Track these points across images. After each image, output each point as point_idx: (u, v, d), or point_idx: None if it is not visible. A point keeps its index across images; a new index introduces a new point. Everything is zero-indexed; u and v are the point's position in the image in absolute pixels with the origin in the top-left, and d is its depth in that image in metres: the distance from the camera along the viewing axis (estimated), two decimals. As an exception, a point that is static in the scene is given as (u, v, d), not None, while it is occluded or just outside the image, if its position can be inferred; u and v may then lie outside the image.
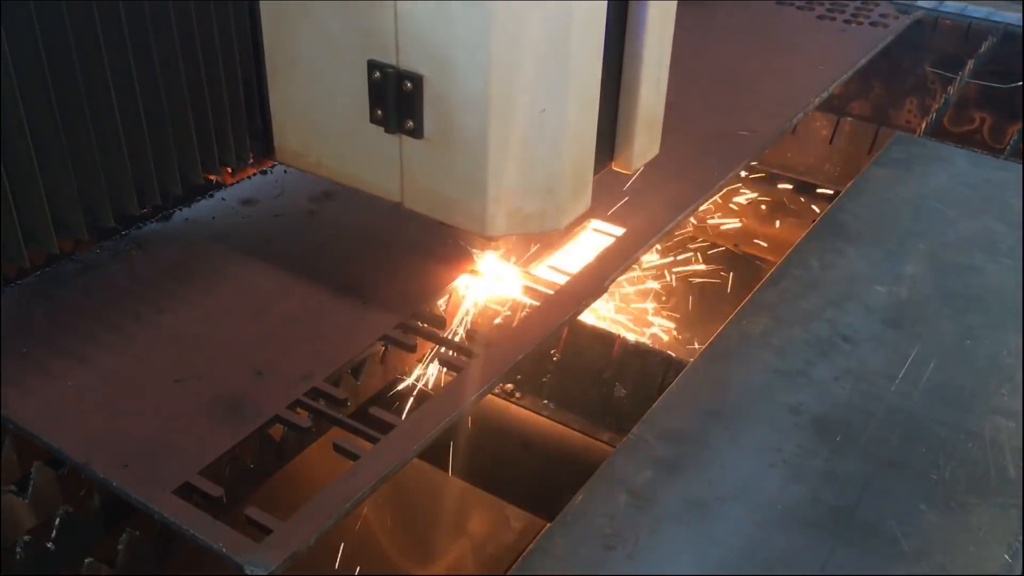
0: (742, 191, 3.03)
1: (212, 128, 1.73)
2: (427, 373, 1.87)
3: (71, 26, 1.49)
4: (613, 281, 1.86)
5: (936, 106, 2.84)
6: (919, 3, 3.27)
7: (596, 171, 1.68)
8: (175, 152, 1.70)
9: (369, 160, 1.66)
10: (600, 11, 1.53)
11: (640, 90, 1.70)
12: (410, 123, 1.55)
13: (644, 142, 1.77)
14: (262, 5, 1.65)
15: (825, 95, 2.61)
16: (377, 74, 1.54)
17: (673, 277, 2.76)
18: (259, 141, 1.82)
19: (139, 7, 1.56)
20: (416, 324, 1.73)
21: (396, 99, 1.54)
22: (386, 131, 1.58)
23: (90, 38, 1.52)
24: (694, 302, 2.78)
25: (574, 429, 1.97)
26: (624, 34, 1.66)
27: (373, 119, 1.59)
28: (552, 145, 1.55)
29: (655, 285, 2.71)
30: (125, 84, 1.59)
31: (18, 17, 1.43)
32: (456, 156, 1.55)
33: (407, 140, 1.58)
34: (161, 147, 1.69)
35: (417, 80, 1.51)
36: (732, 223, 3.03)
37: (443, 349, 1.70)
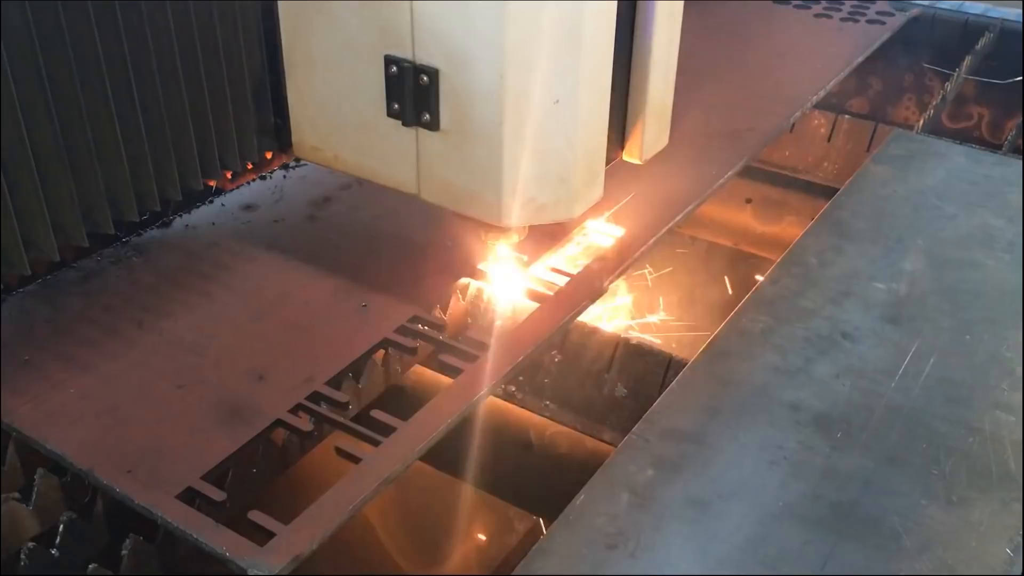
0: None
1: (213, 133, 1.74)
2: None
3: (68, 31, 1.49)
4: (612, 282, 1.86)
5: (934, 102, 2.84)
6: (916, 0, 3.27)
7: (608, 162, 1.70)
8: (174, 157, 1.71)
9: (386, 153, 1.68)
10: (611, 2, 1.54)
11: (649, 81, 1.73)
12: (426, 116, 1.57)
13: (654, 133, 1.79)
14: (280, 3, 1.67)
15: (823, 93, 2.61)
16: (394, 68, 1.56)
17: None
18: (274, 138, 1.82)
19: (137, 8, 1.56)
20: (417, 327, 1.73)
21: (413, 93, 1.56)
22: (403, 124, 1.60)
23: (87, 42, 1.52)
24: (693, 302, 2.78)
25: (575, 429, 1.97)
26: (633, 25, 1.68)
27: (390, 113, 1.61)
28: (566, 135, 1.57)
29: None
30: (123, 89, 1.59)
31: (15, 21, 1.43)
32: (472, 148, 1.57)
33: (423, 133, 1.60)
34: (160, 152, 1.69)
35: (433, 74, 1.53)
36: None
37: (444, 352, 1.70)
